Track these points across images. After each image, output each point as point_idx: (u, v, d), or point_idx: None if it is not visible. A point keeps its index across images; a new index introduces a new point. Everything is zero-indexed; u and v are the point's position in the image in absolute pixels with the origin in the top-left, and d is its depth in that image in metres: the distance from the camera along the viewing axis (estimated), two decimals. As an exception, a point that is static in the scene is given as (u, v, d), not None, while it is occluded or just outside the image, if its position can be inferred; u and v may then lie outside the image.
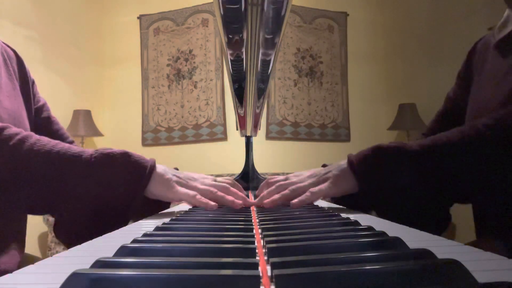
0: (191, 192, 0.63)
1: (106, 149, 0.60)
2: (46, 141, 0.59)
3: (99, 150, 0.60)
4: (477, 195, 0.63)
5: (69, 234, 0.60)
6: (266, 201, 0.66)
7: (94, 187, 0.57)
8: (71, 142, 0.87)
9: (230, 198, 0.65)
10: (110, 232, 0.52)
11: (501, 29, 0.78)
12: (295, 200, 0.63)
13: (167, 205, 0.72)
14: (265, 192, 0.69)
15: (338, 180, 0.64)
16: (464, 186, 0.60)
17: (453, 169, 0.59)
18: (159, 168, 0.63)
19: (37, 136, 0.60)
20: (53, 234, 2.47)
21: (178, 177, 0.65)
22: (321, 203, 0.78)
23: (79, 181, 0.57)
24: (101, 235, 0.51)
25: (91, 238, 0.47)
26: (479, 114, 0.74)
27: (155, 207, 0.68)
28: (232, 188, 0.68)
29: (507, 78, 0.70)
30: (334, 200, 0.76)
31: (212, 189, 0.65)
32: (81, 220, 0.58)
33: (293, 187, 0.66)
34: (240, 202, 0.65)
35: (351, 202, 0.68)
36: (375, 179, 0.61)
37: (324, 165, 0.75)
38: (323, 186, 0.65)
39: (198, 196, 0.62)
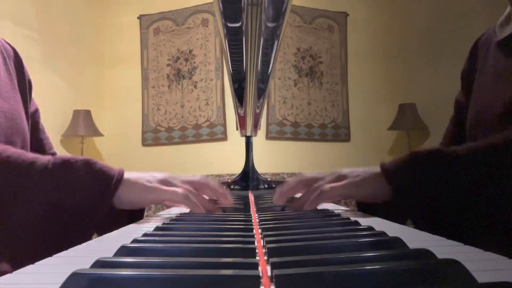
0: (179, 190, 0.59)
1: (67, 156, 0.56)
2: None
3: (58, 156, 0.56)
4: None
5: (17, 243, 0.54)
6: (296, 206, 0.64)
7: (49, 192, 0.53)
8: (54, 154, 0.83)
9: (204, 207, 0.60)
10: (70, 239, 0.49)
11: (503, 26, 0.76)
12: (309, 201, 0.61)
13: (139, 215, 0.67)
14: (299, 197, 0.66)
15: (364, 182, 0.61)
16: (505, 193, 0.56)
17: (496, 176, 0.55)
18: (130, 175, 0.59)
19: None
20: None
21: (158, 178, 0.61)
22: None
23: (31, 187, 0.53)
24: (59, 242, 0.48)
25: (45, 245, 0.45)
26: (483, 115, 0.74)
27: (124, 218, 0.63)
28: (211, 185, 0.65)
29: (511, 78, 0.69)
30: (359, 208, 0.73)
31: (191, 189, 0.61)
32: (32, 227, 0.53)
33: (316, 186, 0.63)
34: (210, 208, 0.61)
35: (384, 211, 0.66)
36: (410, 184, 0.57)
37: None
38: (342, 183, 0.61)
39: (190, 196, 0.58)
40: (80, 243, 0.44)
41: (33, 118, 0.82)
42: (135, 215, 0.65)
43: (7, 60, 0.77)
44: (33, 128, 0.81)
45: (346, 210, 0.65)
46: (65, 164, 0.55)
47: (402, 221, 0.59)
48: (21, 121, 0.74)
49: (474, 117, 0.77)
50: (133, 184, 0.58)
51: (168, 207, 0.81)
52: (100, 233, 0.54)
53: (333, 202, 0.78)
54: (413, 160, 0.59)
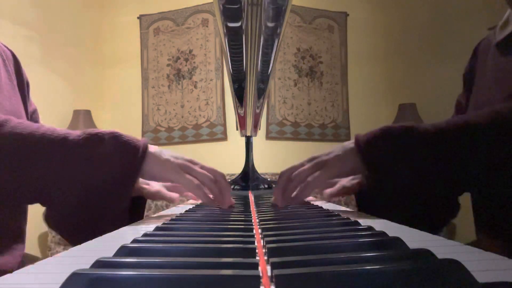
0: (196, 182, 0.60)
1: (94, 130, 0.58)
2: (28, 124, 0.56)
3: (86, 131, 0.57)
4: (490, 183, 0.59)
5: (63, 222, 0.57)
6: (279, 203, 0.64)
7: (84, 168, 0.54)
8: None
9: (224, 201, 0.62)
10: (105, 220, 0.51)
11: (502, 29, 0.77)
12: (294, 195, 0.62)
13: (140, 214, 0.69)
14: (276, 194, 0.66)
15: (339, 160, 0.61)
16: (479, 171, 0.56)
17: (469, 152, 0.55)
18: (153, 148, 0.61)
19: (17, 120, 0.57)
20: (53, 234, 2.47)
21: (177, 158, 0.62)
22: (328, 205, 0.78)
23: (67, 162, 0.54)
24: (96, 224, 0.50)
25: (85, 227, 0.46)
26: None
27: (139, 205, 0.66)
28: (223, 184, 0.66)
29: (510, 78, 0.70)
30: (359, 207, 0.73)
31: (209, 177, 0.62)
32: (74, 205, 0.55)
33: (294, 174, 0.64)
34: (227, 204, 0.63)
35: (367, 201, 0.66)
36: (383, 159, 0.58)
37: None
38: (319, 172, 0.62)
39: (202, 191, 0.60)
40: (113, 222, 0.46)
41: (32, 119, 0.83)
42: (135, 214, 0.66)
43: (6, 62, 0.77)
44: None
45: (346, 211, 0.65)
46: (94, 138, 0.56)
47: (373, 201, 0.59)
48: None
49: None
50: (157, 158, 0.59)
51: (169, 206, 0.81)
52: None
53: (334, 202, 0.78)
54: (385, 134, 0.59)
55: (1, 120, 0.56)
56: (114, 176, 0.56)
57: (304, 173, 0.63)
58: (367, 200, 0.67)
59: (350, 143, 0.62)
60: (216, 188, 0.62)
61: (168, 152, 0.63)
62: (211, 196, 0.62)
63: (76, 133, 0.57)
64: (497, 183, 0.59)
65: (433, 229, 0.57)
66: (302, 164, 0.66)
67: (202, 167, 0.64)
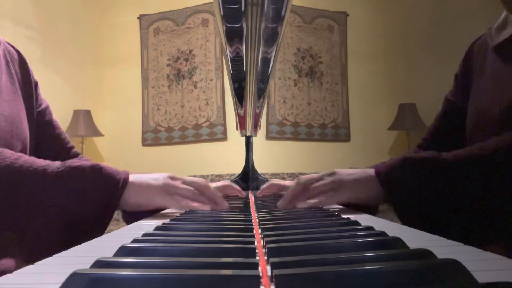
0: (182, 201, 0.61)
1: (75, 162, 0.58)
2: (8, 154, 0.56)
3: (67, 163, 0.57)
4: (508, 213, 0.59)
5: (35, 251, 0.56)
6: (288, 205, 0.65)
7: (63, 200, 0.54)
8: (72, 147, 0.85)
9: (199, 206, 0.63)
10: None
11: (499, 30, 0.77)
12: (302, 204, 0.63)
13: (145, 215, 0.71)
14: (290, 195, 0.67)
15: (358, 185, 0.62)
16: (498, 202, 0.56)
17: (489, 182, 0.55)
18: (135, 177, 0.61)
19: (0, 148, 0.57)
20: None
21: (157, 180, 0.62)
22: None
23: (46, 195, 0.54)
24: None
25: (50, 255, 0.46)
26: (481, 119, 0.74)
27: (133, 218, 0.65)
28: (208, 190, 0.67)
29: (510, 83, 0.69)
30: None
31: (193, 190, 0.63)
32: (48, 236, 0.55)
33: (312, 187, 0.64)
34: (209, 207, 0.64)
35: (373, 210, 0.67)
36: (402, 189, 0.58)
37: None
38: (335, 195, 0.62)
39: (192, 206, 0.61)
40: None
41: (44, 115, 0.83)
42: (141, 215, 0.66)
43: (10, 63, 0.77)
44: (46, 124, 0.82)
45: (346, 211, 0.65)
46: (74, 171, 0.56)
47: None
48: (21, 125, 0.74)
49: (473, 122, 0.77)
50: (138, 188, 0.60)
51: None
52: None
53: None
54: (405, 164, 0.59)
55: None
56: (93, 208, 0.56)
57: (320, 189, 0.64)
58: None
59: (371, 171, 0.62)
60: (204, 198, 0.63)
61: (147, 176, 0.62)
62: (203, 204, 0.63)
63: (55, 165, 0.57)
64: None
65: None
66: (321, 178, 0.66)
67: (184, 181, 0.64)
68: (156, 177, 0.63)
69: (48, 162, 0.58)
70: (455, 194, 0.57)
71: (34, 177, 0.55)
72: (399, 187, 0.59)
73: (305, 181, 0.66)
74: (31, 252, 0.56)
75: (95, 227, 0.57)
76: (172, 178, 0.64)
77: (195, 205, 0.62)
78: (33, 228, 0.55)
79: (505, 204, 0.57)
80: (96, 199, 0.56)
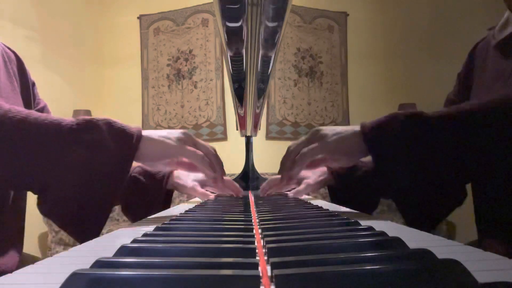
0: (199, 152, 0.61)
1: (87, 117, 0.57)
2: (19, 109, 0.55)
3: (79, 117, 0.57)
4: (495, 173, 0.58)
5: (58, 208, 0.55)
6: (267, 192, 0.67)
7: (79, 153, 0.54)
8: None
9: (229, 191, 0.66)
10: (102, 205, 0.51)
11: (501, 30, 0.77)
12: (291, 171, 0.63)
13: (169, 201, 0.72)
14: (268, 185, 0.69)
15: (340, 138, 0.60)
16: (485, 160, 0.55)
17: (475, 138, 0.54)
18: (149, 132, 0.61)
19: (8, 105, 0.55)
20: (53, 234, 2.47)
21: (176, 136, 0.63)
22: (324, 204, 0.78)
23: (61, 148, 0.53)
24: (92, 209, 0.50)
25: (82, 213, 0.46)
26: None
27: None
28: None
29: (511, 81, 0.69)
30: (332, 198, 0.75)
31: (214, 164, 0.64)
32: (69, 191, 0.54)
33: (291, 149, 0.65)
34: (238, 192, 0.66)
35: (340, 194, 0.67)
36: (388, 146, 0.57)
37: None
38: (318, 143, 0.61)
39: (207, 161, 0.62)
40: (111, 204, 0.49)
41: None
42: (166, 205, 0.70)
43: (8, 64, 0.77)
44: None
45: (346, 211, 0.65)
46: (88, 124, 0.56)
47: (377, 194, 0.59)
48: None
49: None
50: (152, 140, 0.60)
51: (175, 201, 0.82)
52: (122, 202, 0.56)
53: (316, 194, 0.80)
54: (391, 121, 0.58)
55: None
56: (109, 162, 0.56)
57: (300, 146, 0.63)
58: (340, 193, 0.68)
59: (355, 127, 0.61)
60: (217, 160, 0.64)
61: (161, 132, 0.63)
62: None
63: (69, 119, 0.56)
64: (502, 171, 0.58)
65: (438, 217, 0.56)
66: (306, 141, 0.65)
67: (197, 143, 0.65)
68: (171, 131, 0.64)
69: (62, 117, 0.57)
70: (441, 152, 0.55)
71: (50, 130, 0.54)
72: (385, 143, 0.57)
73: (293, 150, 0.66)
74: (54, 206, 0.56)
75: (113, 180, 0.56)
76: (186, 134, 0.64)
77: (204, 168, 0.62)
78: (54, 182, 0.54)
79: (487, 162, 0.56)
80: (112, 150, 0.56)
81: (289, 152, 0.65)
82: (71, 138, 0.54)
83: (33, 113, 0.55)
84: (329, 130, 0.62)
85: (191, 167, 0.67)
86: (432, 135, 0.56)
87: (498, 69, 0.74)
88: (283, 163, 0.65)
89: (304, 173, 0.82)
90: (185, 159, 0.65)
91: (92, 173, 0.55)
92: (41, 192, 0.56)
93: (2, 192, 0.65)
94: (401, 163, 0.56)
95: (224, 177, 0.85)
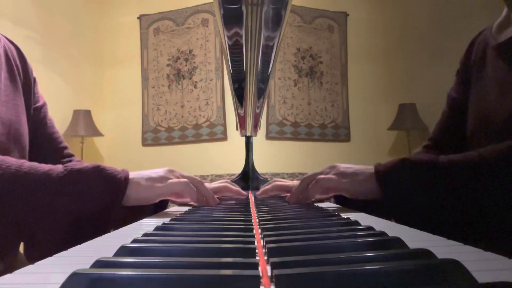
0: (183, 180, 0.63)
1: (76, 165, 0.59)
2: (11, 161, 0.57)
3: (69, 166, 0.58)
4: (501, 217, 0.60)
5: (45, 253, 0.57)
6: (288, 199, 0.70)
7: (67, 202, 0.56)
8: (65, 148, 0.85)
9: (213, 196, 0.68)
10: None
11: (501, 29, 0.76)
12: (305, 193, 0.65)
13: (149, 210, 0.71)
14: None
15: (356, 178, 0.64)
16: (495, 205, 0.58)
17: (482, 187, 0.57)
18: (134, 174, 0.63)
19: (1, 157, 0.58)
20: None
21: (160, 175, 0.65)
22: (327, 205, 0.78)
23: (51, 198, 0.55)
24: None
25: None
26: (483, 123, 0.74)
27: (138, 212, 0.67)
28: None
29: None
30: (337, 201, 0.76)
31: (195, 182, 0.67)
32: (56, 237, 0.56)
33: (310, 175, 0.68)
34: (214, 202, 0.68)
35: (371, 207, 0.68)
36: (399, 189, 0.60)
37: None
38: (337, 177, 0.65)
39: (193, 189, 0.64)
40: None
41: (39, 113, 0.82)
42: (146, 209, 0.69)
43: (11, 60, 0.76)
44: (39, 122, 0.82)
45: (346, 211, 0.65)
46: (77, 174, 0.57)
47: (387, 218, 0.61)
48: (20, 127, 0.73)
49: (475, 124, 0.77)
50: (137, 184, 0.61)
51: (172, 205, 0.82)
52: (115, 228, 0.58)
53: (325, 200, 0.80)
54: (403, 166, 0.61)
55: None
56: (97, 208, 0.57)
57: (316, 175, 0.67)
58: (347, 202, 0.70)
59: (370, 169, 0.64)
60: (202, 186, 0.67)
61: (146, 171, 0.65)
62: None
63: (58, 169, 0.58)
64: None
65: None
66: (322, 172, 0.69)
67: (181, 175, 0.68)
68: (156, 170, 0.66)
69: (50, 166, 0.59)
70: (448, 198, 0.58)
71: (39, 182, 0.56)
72: (395, 186, 0.61)
73: (309, 177, 0.69)
74: (40, 253, 0.56)
75: (101, 226, 0.58)
76: (171, 171, 0.67)
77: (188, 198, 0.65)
78: (42, 231, 0.56)
79: (496, 210, 0.59)
80: (100, 199, 0.58)
81: (306, 177, 0.69)
82: (59, 189, 0.56)
83: (25, 164, 0.57)
84: (346, 167, 0.67)
85: (178, 196, 0.70)
86: (440, 183, 0.59)
87: (499, 72, 0.73)
88: (302, 191, 0.69)
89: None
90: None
91: (79, 220, 0.57)
92: (28, 240, 0.58)
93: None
94: (409, 205, 0.60)
95: (220, 184, 0.86)
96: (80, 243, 0.41)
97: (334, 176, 0.65)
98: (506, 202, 0.57)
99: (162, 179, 0.64)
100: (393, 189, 0.61)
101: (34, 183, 0.56)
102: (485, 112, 0.74)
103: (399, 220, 0.60)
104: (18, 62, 0.79)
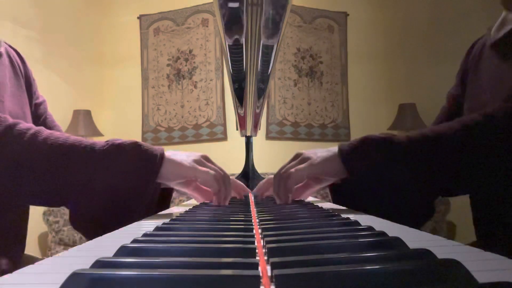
0: (211, 171, 0.64)
1: (117, 140, 0.62)
2: (58, 135, 0.61)
3: (109, 141, 0.61)
4: (461, 189, 0.65)
5: (87, 224, 0.61)
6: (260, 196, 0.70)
7: (108, 177, 0.59)
8: None
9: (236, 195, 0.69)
10: (127, 219, 0.54)
11: (498, 30, 0.77)
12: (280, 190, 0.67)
13: (167, 203, 0.74)
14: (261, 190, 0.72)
15: (324, 161, 0.65)
16: (450, 180, 0.61)
17: (440, 163, 0.60)
18: (170, 153, 0.65)
19: (49, 131, 0.62)
20: (53, 234, 2.47)
21: (193, 158, 0.67)
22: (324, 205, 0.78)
23: (93, 171, 0.59)
24: (118, 223, 0.53)
25: (108, 226, 0.49)
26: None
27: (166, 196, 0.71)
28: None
29: (506, 80, 0.70)
30: (334, 199, 0.76)
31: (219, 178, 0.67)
32: (97, 209, 0.60)
33: (282, 172, 0.69)
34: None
35: (341, 194, 0.69)
36: (362, 167, 0.62)
37: None
38: (306, 165, 0.66)
39: (217, 182, 0.64)
40: (134, 219, 0.52)
41: (40, 109, 0.86)
42: (163, 205, 0.72)
43: (14, 60, 0.80)
44: (41, 117, 0.86)
45: (346, 211, 0.65)
46: (118, 148, 0.61)
47: (353, 202, 0.63)
48: (26, 121, 0.76)
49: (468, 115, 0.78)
50: (172, 162, 0.64)
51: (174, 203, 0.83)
52: (148, 210, 0.62)
53: (316, 195, 0.81)
54: (365, 143, 0.64)
55: (35, 130, 0.60)
56: (135, 181, 0.60)
57: (289, 168, 0.68)
58: (342, 194, 0.70)
59: (334, 148, 0.66)
60: (225, 180, 0.66)
61: (182, 153, 0.67)
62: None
63: (101, 143, 0.61)
64: (467, 190, 0.64)
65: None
66: (288, 162, 0.71)
67: (214, 164, 0.69)
68: (190, 154, 0.68)
69: (94, 140, 0.62)
70: (410, 173, 0.60)
71: (84, 154, 0.59)
72: (358, 164, 0.63)
73: (277, 173, 0.70)
74: (83, 223, 0.61)
75: (136, 198, 0.61)
76: (205, 158, 0.69)
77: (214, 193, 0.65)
78: (84, 204, 0.59)
79: (452, 186, 0.62)
80: (137, 174, 0.60)
81: (280, 175, 0.69)
82: (101, 162, 0.59)
83: (70, 138, 0.61)
84: (312, 153, 0.68)
85: (203, 194, 0.71)
86: (400, 158, 0.61)
87: (493, 69, 0.74)
88: (278, 188, 0.69)
89: None
90: (201, 186, 0.69)
91: (119, 191, 0.60)
92: (73, 209, 0.61)
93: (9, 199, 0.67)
94: (374, 181, 0.62)
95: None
96: (118, 218, 0.42)
97: (302, 166, 0.66)
98: (461, 176, 0.60)
99: (195, 162, 0.65)
100: (356, 167, 0.63)
101: (79, 155, 0.59)
102: (478, 105, 0.75)
103: (368, 203, 0.62)
104: (19, 61, 0.83)
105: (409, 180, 0.60)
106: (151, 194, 0.63)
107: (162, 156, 0.63)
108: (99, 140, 0.62)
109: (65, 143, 0.60)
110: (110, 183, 0.59)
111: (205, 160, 0.68)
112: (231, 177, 0.83)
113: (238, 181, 0.87)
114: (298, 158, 0.70)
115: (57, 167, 0.58)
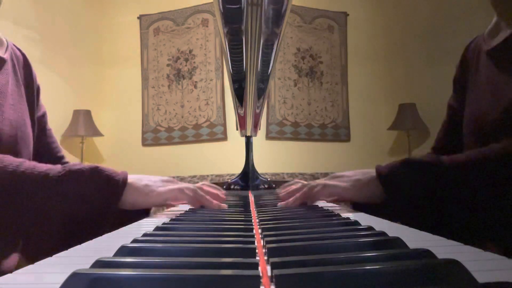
0: (176, 186, 0.63)
1: (76, 165, 0.59)
2: (10, 160, 0.57)
3: (67, 166, 0.58)
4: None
5: (40, 253, 0.58)
6: (283, 203, 0.67)
7: (65, 202, 0.56)
8: (62, 157, 0.86)
9: (209, 198, 0.65)
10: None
11: (492, 35, 0.77)
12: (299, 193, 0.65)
13: (144, 214, 0.71)
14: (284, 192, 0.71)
15: (359, 183, 0.65)
16: (496, 204, 0.59)
17: (479, 186, 0.58)
18: (133, 178, 0.62)
19: (0, 156, 0.58)
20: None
21: (155, 181, 0.65)
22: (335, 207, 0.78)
23: (48, 198, 0.56)
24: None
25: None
26: (477, 125, 0.75)
27: (132, 216, 0.67)
28: (205, 188, 0.69)
29: (504, 89, 0.70)
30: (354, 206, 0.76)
31: (191, 187, 0.66)
32: (50, 238, 0.57)
33: (310, 185, 0.68)
34: (216, 203, 0.66)
35: (376, 210, 0.69)
36: (403, 190, 0.61)
37: None
38: (340, 183, 0.66)
39: (189, 194, 0.63)
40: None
41: (41, 122, 0.84)
42: (141, 212, 0.68)
43: (17, 67, 0.78)
44: (40, 131, 0.83)
45: (346, 211, 0.65)
46: (75, 174, 0.57)
47: (391, 220, 0.62)
48: (26, 129, 0.75)
49: (469, 126, 0.78)
50: (135, 188, 0.61)
51: (168, 207, 0.82)
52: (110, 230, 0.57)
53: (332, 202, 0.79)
54: (406, 167, 0.62)
55: None
56: (93, 209, 0.57)
57: (320, 187, 0.68)
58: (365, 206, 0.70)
59: (371, 172, 0.65)
60: (194, 191, 0.65)
61: (145, 177, 0.64)
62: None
63: (57, 169, 0.58)
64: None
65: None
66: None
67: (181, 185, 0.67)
68: (154, 178, 0.66)
69: (49, 166, 0.59)
70: (450, 197, 0.59)
71: (37, 182, 0.56)
72: (398, 187, 0.61)
73: (314, 185, 0.69)
74: (35, 253, 0.57)
75: (96, 228, 0.58)
76: (169, 181, 0.67)
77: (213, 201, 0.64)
78: (37, 231, 0.56)
79: (497, 208, 0.60)
80: (96, 200, 0.57)
81: (311, 184, 0.69)
82: (57, 189, 0.56)
83: (24, 164, 0.57)
84: (347, 174, 0.68)
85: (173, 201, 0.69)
86: (441, 182, 0.60)
87: (491, 78, 0.74)
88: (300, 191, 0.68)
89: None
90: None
91: (74, 220, 0.57)
92: (24, 239, 0.58)
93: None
94: (412, 203, 0.61)
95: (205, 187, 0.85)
96: (74, 245, 0.42)
97: (339, 183, 0.66)
98: (510, 199, 0.58)
99: (159, 187, 0.63)
100: (397, 191, 0.61)
101: (31, 183, 0.56)
102: (478, 115, 0.75)
103: (405, 223, 0.61)
104: (22, 69, 0.80)
105: (449, 201, 0.59)
106: (112, 220, 0.59)
107: (124, 182, 0.60)
108: (56, 166, 0.59)
109: (17, 169, 0.56)
110: (67, 210, 0.56)
111: (169, 181, 0.67)
112: (203, 183, 0.81)
113: (211, 187, 0.81)
114: (332, 176, 0.69)
115: (8, 195, 0.55)
